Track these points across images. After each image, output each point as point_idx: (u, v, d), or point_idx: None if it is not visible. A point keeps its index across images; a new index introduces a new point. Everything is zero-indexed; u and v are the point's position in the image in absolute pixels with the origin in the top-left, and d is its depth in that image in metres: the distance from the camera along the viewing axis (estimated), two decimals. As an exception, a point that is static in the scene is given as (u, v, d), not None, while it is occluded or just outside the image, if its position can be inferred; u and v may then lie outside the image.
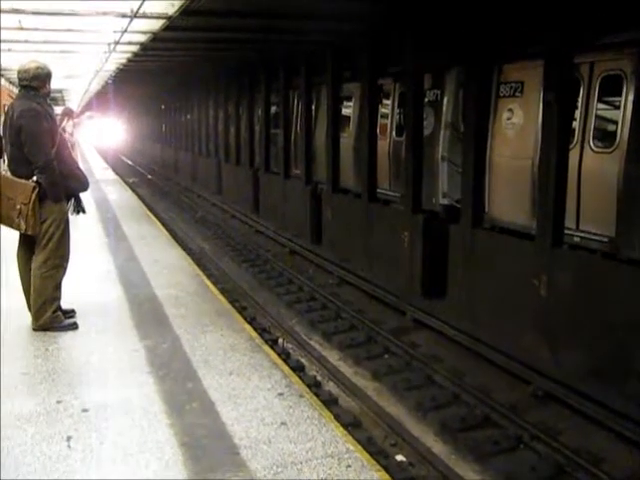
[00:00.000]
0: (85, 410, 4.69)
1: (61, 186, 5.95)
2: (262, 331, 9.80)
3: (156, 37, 11.51)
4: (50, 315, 6.11)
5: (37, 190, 5.75)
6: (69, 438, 4.28)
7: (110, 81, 21.09)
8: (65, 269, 6.21)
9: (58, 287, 6.16)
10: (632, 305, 7.06)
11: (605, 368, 7.38)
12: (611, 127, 8.29)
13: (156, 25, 10.40)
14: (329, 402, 7.49)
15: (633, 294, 7.09)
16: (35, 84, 5.89)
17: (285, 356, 8.88)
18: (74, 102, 37.29)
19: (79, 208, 6.44)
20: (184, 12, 9.05)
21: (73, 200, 6.35)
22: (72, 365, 5.63)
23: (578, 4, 7.76)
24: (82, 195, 6.53)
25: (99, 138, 51.60)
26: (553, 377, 7.72)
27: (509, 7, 8.86)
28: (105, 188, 19.45)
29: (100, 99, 32.53)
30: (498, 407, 7.42)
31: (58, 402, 4.80)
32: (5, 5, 8.51)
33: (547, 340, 8.22)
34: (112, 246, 10.50)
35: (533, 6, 8.40)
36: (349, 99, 14.80)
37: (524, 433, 6.91)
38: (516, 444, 6.86)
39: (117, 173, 27.30)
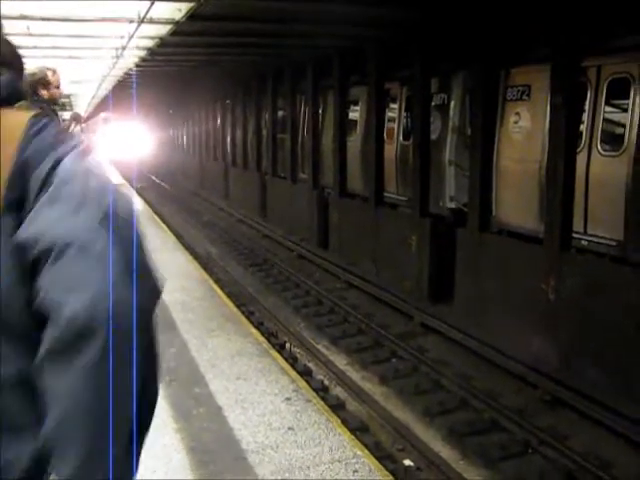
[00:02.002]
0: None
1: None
2: (269, 336, 9.80)
3: (163, 42, 11.54)
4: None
5: None
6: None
7: (132, 78, 20.95)
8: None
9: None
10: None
11: (614, 372, 7.34)
12: (619, 130, 8.26)
13: (163, 30, 10.43)
14: (336, 407, 7.49)
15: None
16: (29, 90, 5.88)
17: (292, 361, 8.88)
18: (82, 107, 37.34)
19: None
20: (191, 17, 9.07)
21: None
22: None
23: (585, 7, 7.74)
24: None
25: (117, 147, 41.99)
26: (561, 381, 7.70)
27: (516, 10, 8.85)
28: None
29: (112, 100, 32.05)
30: (506, 412, 7.39)
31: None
32: (14, 11, 8.55)
33: (555, 344, 8.19)
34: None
35: (540, 9, 8.39)
36: (356, 103, 14.80)
37: (532, 438, 6.89)
38: (524, 449, 6.85)
39: (124, 177, 27.34)
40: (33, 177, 1.27)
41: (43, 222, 1.22)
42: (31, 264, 1.22)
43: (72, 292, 1.17)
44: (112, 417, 1.21)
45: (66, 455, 1.19)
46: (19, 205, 1.25)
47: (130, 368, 1.22)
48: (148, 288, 1.27)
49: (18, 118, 1.34)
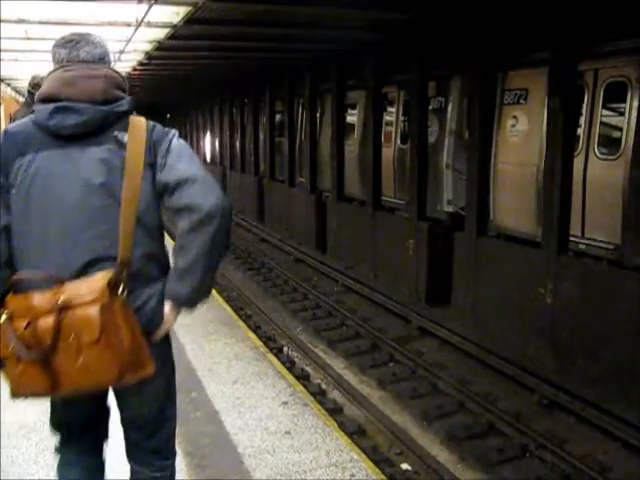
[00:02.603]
0: (89, 419, 4.68)
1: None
2: (267, 339, 9.80)
3: (161, 46, 11.54)
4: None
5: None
6: (73, 447, 4.27)
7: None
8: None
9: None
10: (638, 312, 7.03)
11: (611, 376, 7.34)
12: (616, 134, 8.28)
13: (161, 34, 10.43)
14: (334, 410, 7.49)
15: (638, 301, 7.06)
16: (33, 91, 5.95)
17: (290, 364, 8.88)
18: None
19: None
20: (188, 21, 9.07)
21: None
22: (76, 374, 5.62)
23: (583, 11, 7.75)
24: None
25: None
26: (559, 385, 7.69)
27: (514, 14, 8.87)
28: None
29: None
30: (503, 415, 7.39)
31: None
32: (12, 15, 8.54)
33: (553, 347, 8.18)
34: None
35: (537, 13, 8.40)
36: (354, 107, 14.81)
37: (530, 441, 6.88)
38: (522, 453, 6.84)
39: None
40: (159, 149, 2.52)
41: (177, 169, 2.50)
42: (170, 190, 2.48)
43: (206, 198, 2.44)
44: (214, 259, 2.54)
45: (189, 281, 2.50)
46: (151, 165, 2.50)
47: (225, 236, 2.51)
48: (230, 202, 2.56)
49: (141, 120, 2.57)
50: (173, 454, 2.82)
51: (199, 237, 2.43)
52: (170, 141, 2.56)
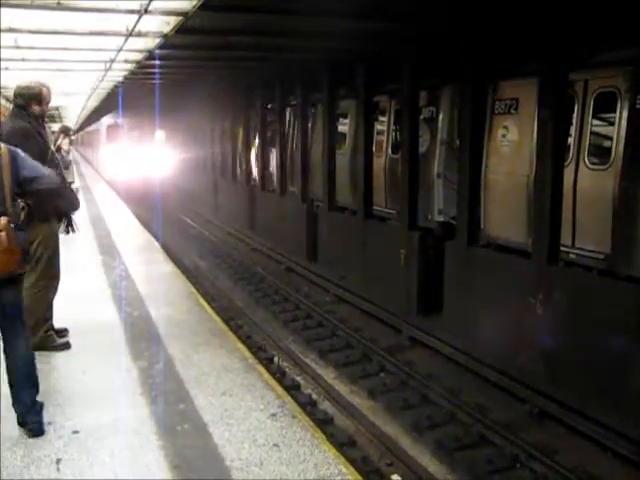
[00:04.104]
0: (76, 432, 4.65)
1: (49, 206, 5.88)
2: (257, 349, 9.78)
3: (152, 55, 11.52)
4: (42, 335, 6.06)
5: (25, 210, 5.72)
6: (59, 460, 4.24)
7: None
8: (56, 288, 6.17)
9: (49, 307, 6.12)
10: (628, 322, 7.03)
11: (602, 386, 7.33)
12: (606, 144, 8.29)
13: (152, 44, 10.40)
14: (324, 421, 7.47)
15: (629, 310, 7.06)
16: (19, 102, 5.87)
17: (280, 375, 8.85)
18: (71, 119, 37.13)
19: (69, 227, 6.39)
20: (179, 30, 9.05)
21: (65, 219, 6.31)
22: (64, 386, 5.59)
23: (573, 23, 7.78)
24: (76, 213, 6.53)
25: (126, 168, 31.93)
26: (550, 395, 7.68)
27: (504, 24, 8.89)
28: (100, 203, 19.43)
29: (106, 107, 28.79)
30: (494, 426, 7.37)
31: (49, 423, 4.75)
32: (2, 24, 8.51)
33: (544, 357, 8.17)
34: (106, 264, 10.45)
35: (528, 24, 8.43)
36: (345, 116, 14.82)
37: (520, 452, 6.87)
38: (512, 463, 6.82)
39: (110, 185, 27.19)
40: (16, 158, 4.59)
41: (32, 170, 4.70)
42: (29, 181, 4.64)
43: (45, 178, 4.81)
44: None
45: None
46: (12, 165, 4.54)
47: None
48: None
49: (2, 144, 4.74)
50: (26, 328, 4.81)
51: (43, 190, 4.76)
52: (20, 154, 4.61)
